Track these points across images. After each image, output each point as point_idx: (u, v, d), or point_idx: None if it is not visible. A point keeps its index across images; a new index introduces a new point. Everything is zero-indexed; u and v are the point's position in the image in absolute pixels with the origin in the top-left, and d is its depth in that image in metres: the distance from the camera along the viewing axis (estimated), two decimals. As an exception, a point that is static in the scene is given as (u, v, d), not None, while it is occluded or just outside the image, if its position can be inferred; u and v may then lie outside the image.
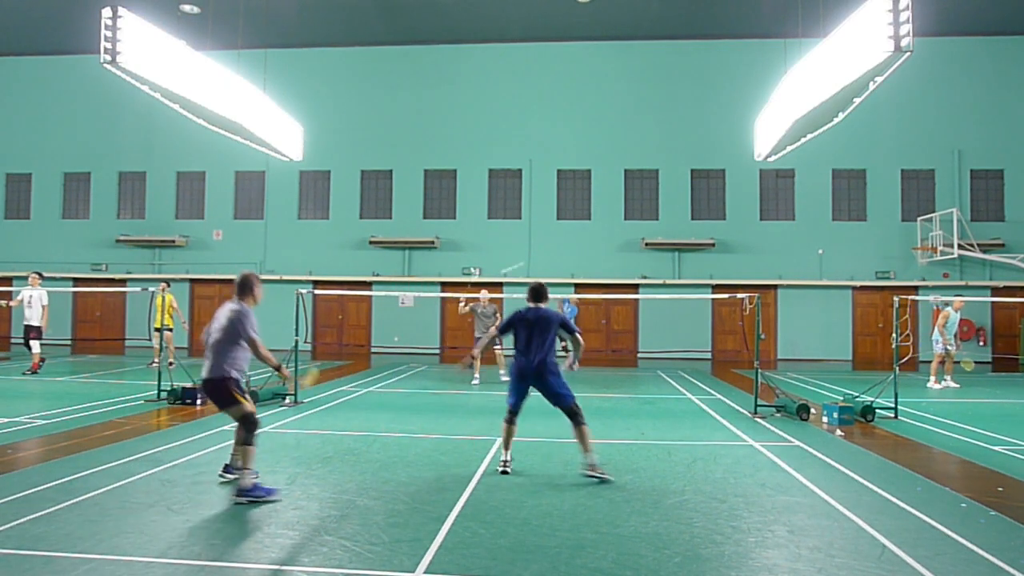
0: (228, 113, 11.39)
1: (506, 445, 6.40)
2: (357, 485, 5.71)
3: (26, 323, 13.73)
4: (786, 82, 11.14)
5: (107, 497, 5.23)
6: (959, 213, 18.84)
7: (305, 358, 17.40)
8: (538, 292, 6.67)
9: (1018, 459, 7.04)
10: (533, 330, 6.42)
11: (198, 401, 9.92)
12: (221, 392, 5.48)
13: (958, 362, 14.08)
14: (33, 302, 13.62)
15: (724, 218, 20.84)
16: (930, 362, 14.07)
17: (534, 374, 6.39)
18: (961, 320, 19.67)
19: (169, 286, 13.52)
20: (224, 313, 5.66)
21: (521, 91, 21.44)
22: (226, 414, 5.58)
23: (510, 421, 6.42)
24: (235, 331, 5.52)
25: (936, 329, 13.64)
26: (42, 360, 13.83)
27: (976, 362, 19.48)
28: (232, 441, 5.55)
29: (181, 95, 10.39)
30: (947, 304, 13.96)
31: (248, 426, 5.41)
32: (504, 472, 6.19)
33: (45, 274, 21.43)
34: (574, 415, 6.34)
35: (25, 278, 21.37)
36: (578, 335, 6.72)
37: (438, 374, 15.35)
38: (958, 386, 13.44)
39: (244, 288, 5.84)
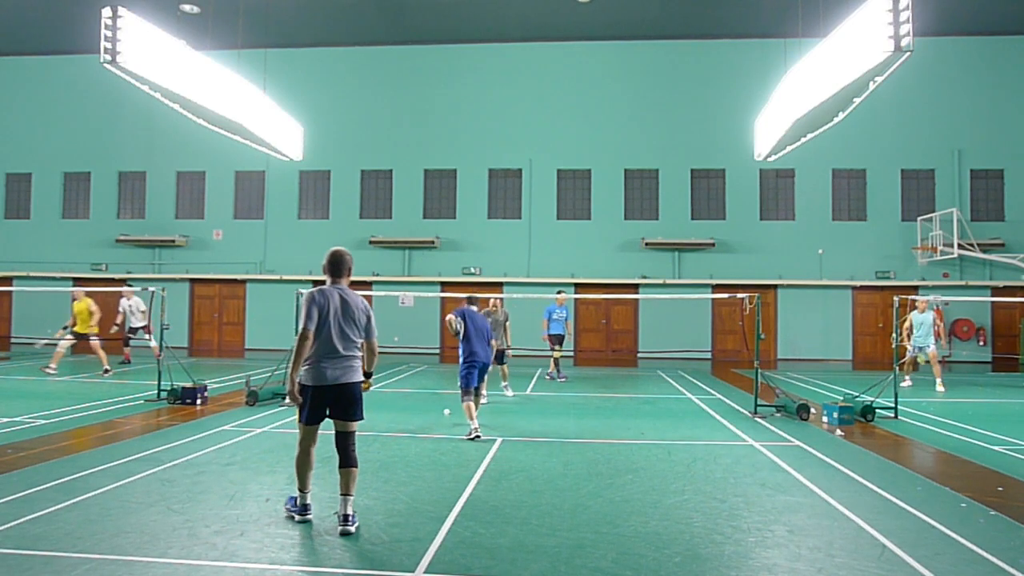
0: (228, 113, 11.38)
1: (472, 416, 7.91)
2: (357, 485, 5.70)
3: (130, 326, 15.71)
4: (786, 82, 11.14)
5: (107, 497, 5.23)
6: (959, 213, 18.83)
7: (305, 358, 17.41)
8: (472, 299, 8.66)
9: (1018, 459, 7.04)
10: (482, 328, 8.36)
11: (198, 401, 9.93)
12: (361, 398, 4.82)
13: (927, 362, 13.89)
14: (135, 310, 15.56)
15: (724, 218, 20.84)
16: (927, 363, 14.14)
17: (484, 364, 8.28)
18: (961, 320, 19.76)
19: (85, 294, 14.67)
20: (354, 305, 4.75)
21: (521, 91, 21.44)
22: (347, 426, 4.77)
23: (471, 396, 8.07)
24: (371, 331, 4.82)
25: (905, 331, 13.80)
26: (125, 361, 16.19)
27: (976, 362, 19.57)
28: (345, 489, 4.65)
29: (181, 95, 10.38)
30: (946, 304, 14.01)
31: (355, 440, 4.83)
32: (478, 436, 7.66)
33: (44, 274, 21.63)
34: (479, 391, 8.38)
35: (25, 278, 21.61)
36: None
37: (438, 374, 15.35)
38: (911, 384, 13.52)
39: (343, 266, 4.84)
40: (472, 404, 8.01)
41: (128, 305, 15.63)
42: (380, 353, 4.84)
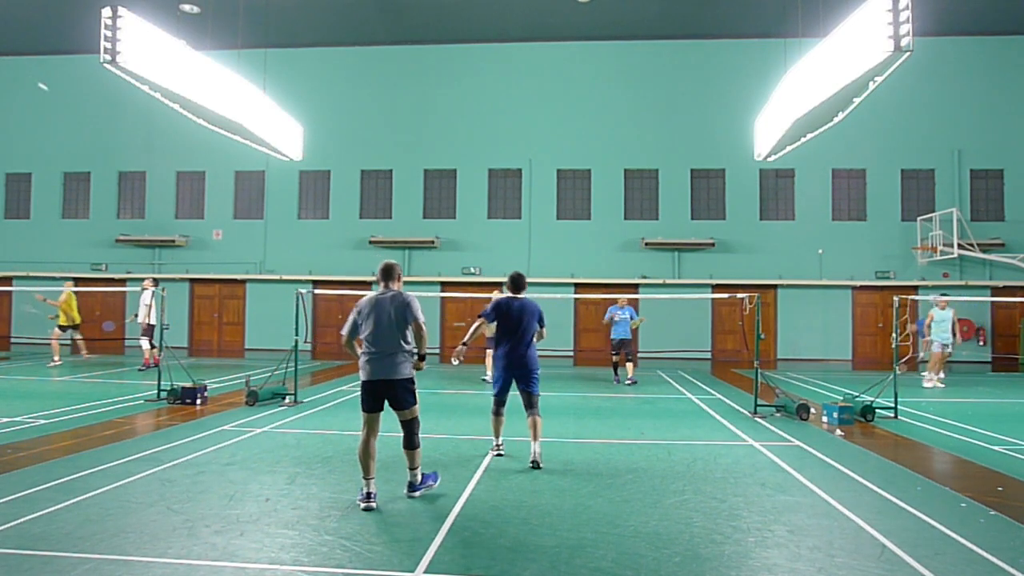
0: (228, 113, 11.38)
1: (496, 434, 6.93)
2: (357, 485, 5.70)
3: (142, 323, 14.91)
4: (786, 82, 11.14)
5: (107, 497, 5.23)
6: (959, 213, 18.84)
7: (305, 357, 17.43)
8: (519, 282, 6.88)
9: (1018, 459, 7.04)
10: (517, 320, 6.65)
11: (198, 401, 9.93)
12: (412, 392, 5.36)
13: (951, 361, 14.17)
14: (140, 303, 14.79)
15: (724, 218, 20.84)
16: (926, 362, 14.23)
17: (518, 364, 6.64)
18: (961, 320, 19.70)
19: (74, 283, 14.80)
20: (392, 303, 5.29)
21: (521, 91, 21.44)
22: (400, 415, 5.36)
23: (498, 413, 6.84)
24: (407, 319, 5.28)
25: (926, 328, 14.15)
26: (155, 361, 14.56)
27: (976, 362, 19.56)
28: (409, 464, 5.40)
29: (181, 95, 10.38)
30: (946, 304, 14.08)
31: (417, 427, 5.42)
32: (499, 455, 6.82)
33: (44, 274, 21.64)
34: (532, 405, 6.67)
35: (25, 278, 21.61)
36: (544, 331, 6.88)
37: (438, 373, 15.35)
38: (943, 386, 13.55)
39: (393, 274, 5.47)
40: (497, 419, 6.82)
41: (142, 299, 14.71)
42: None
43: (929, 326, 14.01)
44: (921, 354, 15.08)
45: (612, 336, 13.68)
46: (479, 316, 6.81)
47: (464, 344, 6.70)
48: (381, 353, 5.25)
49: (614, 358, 13.82)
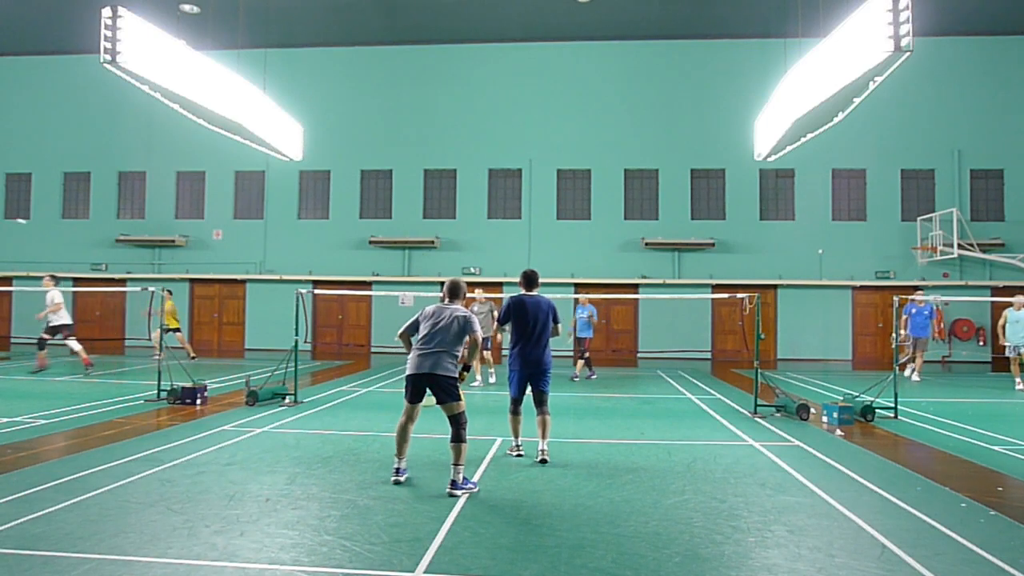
0: (228, 113, 11.38)
1: (515, 434, 6.88)
2: (357, 485, 5.71)
3: (49, 324, 13.78)
4: (786, 82, 11.14)
5: (107, 497, 5.23)
6: (959, 213, 18.84)
7: (305, 358, 17.44)
8: (532, 278, 6.94)
9: (1018, 459, 7.04)
10: (533, 319, 6.69)
11: (198, 401, 9.93)
12: (454, 387, 5.76)
13: None
14: (49, 302, 13.65)
15: (724, 218, 20.84)
16: (925, 362, 14.12)
17: (534, 364, 6.70)
18: (961, 320, 19.74)
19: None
20: (452, 315, 5.85)
21: (521, 91, 21.44)
22: (444, 408, 5.77)
23: (515, 412, 6.85)
24: (465, 332, 5.85)
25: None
26: (89, 363, 14.00)
27: (976, 362, 19.57)
28: (452, 462, 5.58)
29: (181, 95, 10.38)
30: (946, 304, 14.01)
31: (464, 422, 5.71)
32: (519, 455, 6.75)
33: (44, 274, 21.60)
34: (543, 403, 6.81)
35: (25, 278, 21.61)
36: (559, 327, 6.95)
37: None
38: None
39: (459, 292, 6.07)
40: (515, 418, 6.85)
41: (48, 297, 13.52)
42: (384, 352, 5.66)
43: (1002, 328, 13.36)
44: (904, 357, 14.84)
45: (576, 334, 14.40)
46: (496, 322, 6.96)
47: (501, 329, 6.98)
48: (430, 351, 5.73)
49: (584, 355, 14.57)
